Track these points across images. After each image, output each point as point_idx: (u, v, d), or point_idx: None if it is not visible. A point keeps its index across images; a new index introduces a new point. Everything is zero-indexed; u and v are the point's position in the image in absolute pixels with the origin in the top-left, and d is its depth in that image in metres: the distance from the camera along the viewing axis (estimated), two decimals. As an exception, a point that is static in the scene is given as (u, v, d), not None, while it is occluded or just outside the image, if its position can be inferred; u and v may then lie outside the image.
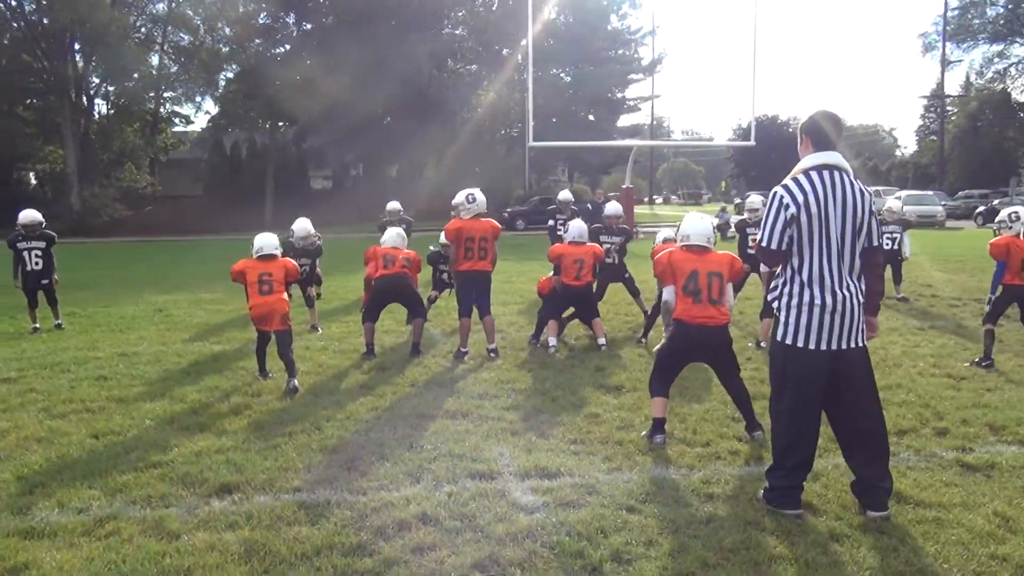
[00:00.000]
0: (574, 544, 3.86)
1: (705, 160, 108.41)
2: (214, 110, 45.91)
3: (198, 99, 45.51)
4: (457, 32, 48.69)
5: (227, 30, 43.07)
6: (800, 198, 4.12)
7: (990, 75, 58.30)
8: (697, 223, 5.67)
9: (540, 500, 4.42)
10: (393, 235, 8.75)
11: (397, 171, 51.30)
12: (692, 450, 5.25)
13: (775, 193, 4.22)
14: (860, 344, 4.23)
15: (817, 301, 4.12)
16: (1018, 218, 7.75)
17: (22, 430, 5.83)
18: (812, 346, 4.16)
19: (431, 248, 10.44)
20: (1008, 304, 7.72)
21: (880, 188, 49.22)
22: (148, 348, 8.85)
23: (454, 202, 8.44)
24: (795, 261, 4.19)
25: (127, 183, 41.98)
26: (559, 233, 13.17)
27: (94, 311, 11.53)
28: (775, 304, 4.36)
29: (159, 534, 4.08)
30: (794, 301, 4.20)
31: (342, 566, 3.69)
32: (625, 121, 58.85)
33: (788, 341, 4.23)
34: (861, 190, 4.18)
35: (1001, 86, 56.85)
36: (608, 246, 9.67)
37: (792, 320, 4.21)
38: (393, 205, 13.41)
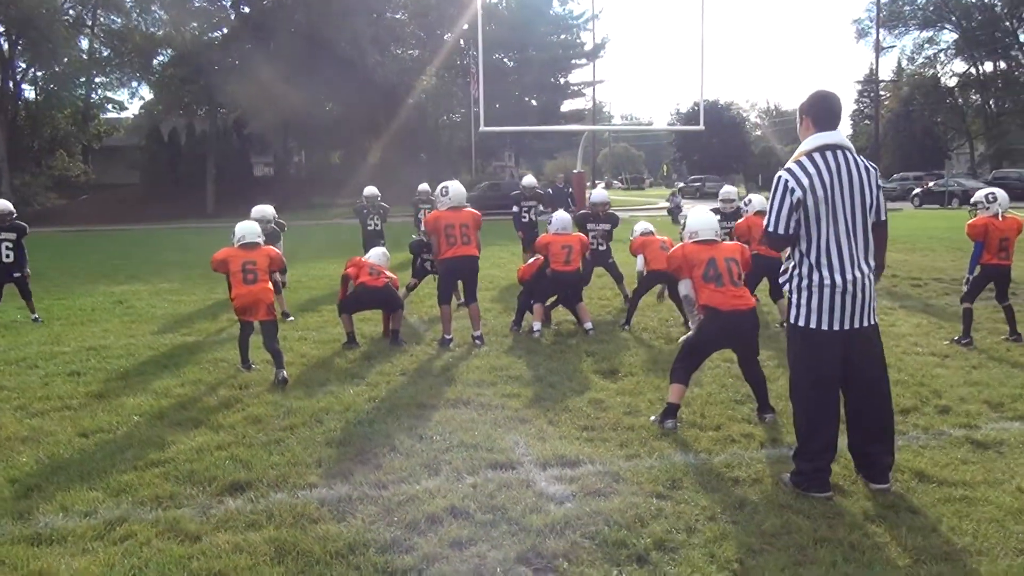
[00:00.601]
0: (614, 534, 3.79)
1: (645, 145, 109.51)
2: (149, 96, 44.63)
3: (134, 84, 44.06)
4: (398, 16, 48.04)
5: (161, 13, 41.73)
6: (805, 181, 4.08)
7: (921, 61, 60.07)
8: (704, 218, 5.70)
9: (567, 490, 4.34)
10: (379, 254, 8.69)
11: (341, 157, 50.56)
12: (705, 434, 5.23)
13: (779, 177, 4.18)
14: (873, 322, 4.24)
15: (827, 282, 4.11)
16: (995, 199, 7.89)
17: (2, 430, 5.51)
18: (826, 327, 4.16)
19: (413, 237, 10.25)
20: (986, 283, 7.90)
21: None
22: (116, 341, 8.50)
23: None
24: (803, 244, 4.17)
25: (59, 171, 40.50)
26: (524, 220, 13.15)
27: (50, 303, 11.03)
28: (786, 287, 4.34)
29: (177, 536, 3.88)
30: (804, 283, 4.18)
31: (381, 564, 3.56)
32: (568, 106, 59.04)
33: (802, 323, 4.22)
34: (867, 167, 4.18)
35: (931, 71, 58.62)
36: (594, 233, 9.65)
37: (804, 302, 4.20)
38: (370, 190, 13.26)
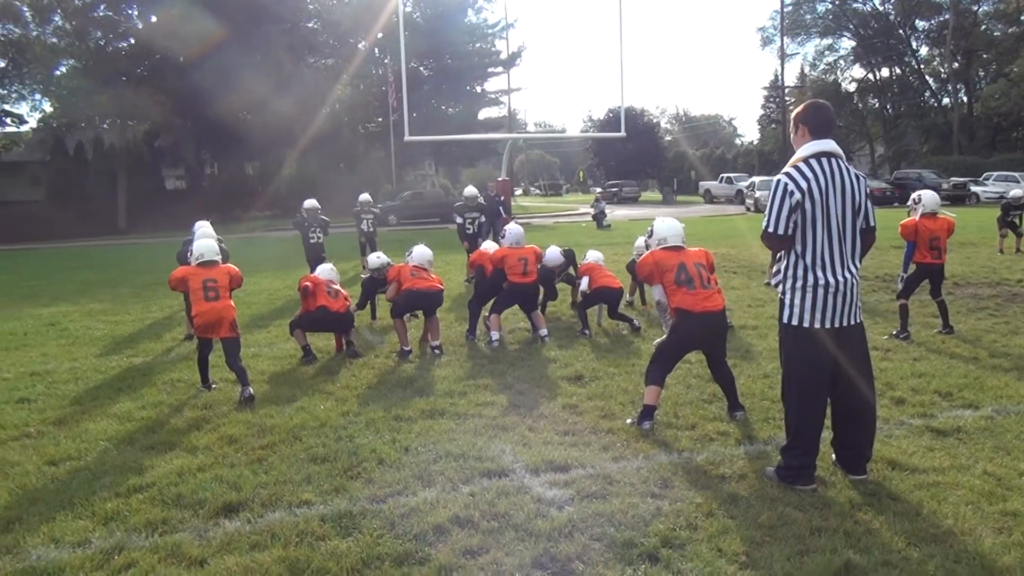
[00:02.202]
0: (621, 534, 3.90)
1: (559, 152, 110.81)
2: (50, 108, 42.78)
3: (37, 97, 42.18)
4: (311, 25, 47.41)
5: (64, 23, 40.12)
6: (804, 185, 4.30)
7: (822, 67, 62.61)
8: (672, 226, 5.92)
9: (565, 494, 4.43)
10: (327, 270, 8.66)
11: (256, 168, 49.54)
12: (683, 434, 5.39)
13: (779, 181, 4.39)
14: (859, 320, 4.48)
15: (821, 282, 4.33)
16: (919, 201, 8.37)
17: (-38, 463, 5.28)
18: (818, 325, 4.37)
19: (363, 276, 10.07)
20: (921, 280, 8.34)
21: (731, 175, 51.91)
22: (59, 365, 8.19)
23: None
24: (799, 246, 4.38)
25: (-46, 189, 38.49)
26: (468, 232, 13.23)
27: (-27, 329, 10.55)
28: (779, 288, 4.54)
29: (182, 561, 3.81)
30: (799, 284, 4.39)
31: (400, 576, 3.58)
32: (485, 114, 59.28)
33: (795, 322, 4.42)
34: (857, 175, 4.43)
35: (832, 77, 61.11)
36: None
37: (798, 302, 4.40)
38: (311, 203, 13.35)
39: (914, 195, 8.49)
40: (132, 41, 41.33)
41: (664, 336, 5.90)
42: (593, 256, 9.69)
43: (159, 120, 39.51)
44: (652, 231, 6.06)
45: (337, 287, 8.32)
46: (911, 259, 8.33)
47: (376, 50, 50.28)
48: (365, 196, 14.91)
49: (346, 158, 48.86)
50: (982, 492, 4.28)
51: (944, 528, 3.88)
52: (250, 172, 50.40)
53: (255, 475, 4.88)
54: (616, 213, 37.94)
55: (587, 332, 8.80)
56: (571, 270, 10.39)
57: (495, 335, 8.44)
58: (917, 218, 8.22)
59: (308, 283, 8.19)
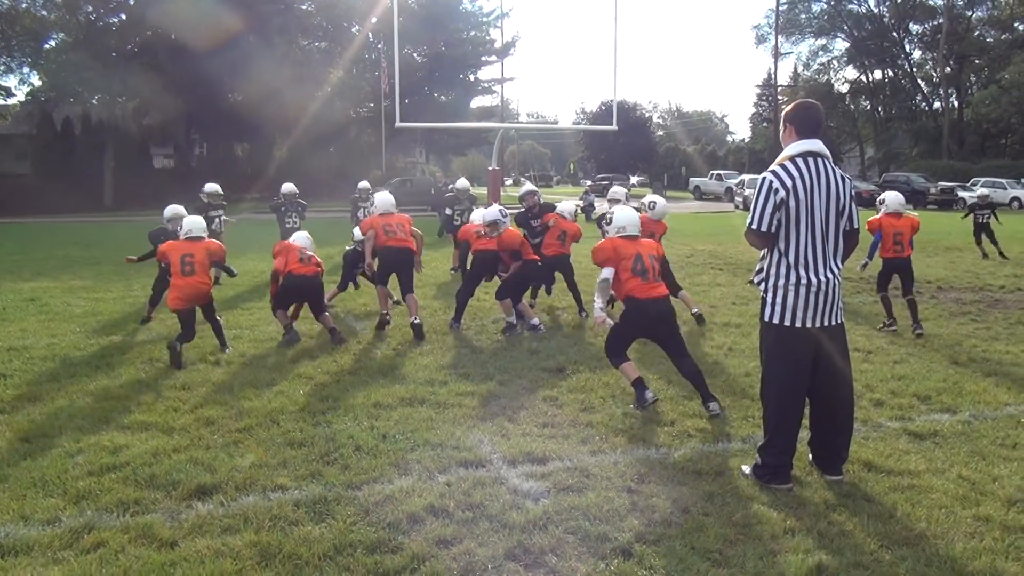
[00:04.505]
0: (596, 528, 3.90)
1: (551, 143, 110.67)
2: (39, 82, 42.30)
3: (26, 70, 41.68)
4: (304, 7, 47.08)
5: (53, -6, 39.65)
6: (789, 183, 4.30)
7: (816, 67, 62.78)
8: (631, 216, 6.19)
9: (541, 486, 4.42)
10: (303, 236, 8.63)
11: (245, 150, 49.27)
12: (662, 429, 5.40)
13: (764, 178, 4.38)
14: (840, 320, 4.49)
15: (803, 281, 4.33)
16: (883, 202, 9.00)
17: (-66, 437, 5.22)
18: (799, 324, 4.37)
19: (347, 247, 10.08)
20: (890, 275, 8.85)
21: (721, 172, 51.99)
22: (38, 341, 8.11)
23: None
24: (782, 244, 4.38)
25: (-61, 160, 38.06)
26: (456, 223, 13.19)
27: (-49, 302, 10.43)
28: (761, 286, 4.54)
29: (152, 542, 3.78)
30: (781, 282, 4.39)
31: (371, 564, 3.56)
32: (478, 103, 59.15)
33: (776, 320, 4.42)
34: (842, 176, 4.43)
35: (825, 77, 61.30)
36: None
37: (780, 300, 4.40)
38: (288, 187, 13.29)
39: (880, 196, 8.99)
40: (123, 17, 40.90)
41: (615, 322, 6.00)
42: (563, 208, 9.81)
43: (149, 98, 39.16)
44: (612, 219, 6.29)
45: (310, 253, 8.30)
46: (875, 250, 8.84)
47: (370, 35, 50.01)
48: (364, 184, 14.83)
49: (337, 142, 48.61)
50: (956, 496, 4.30)
51: (917, 531, 3.89)
52: (239, 153, 50.13)
53: (231, 458, 4.85)
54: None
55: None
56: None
57: (535, 321, 8.64)
58: (884, 215, 8.71)
59: (278, 259, 8.21)
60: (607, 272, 5.90)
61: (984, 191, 16.81)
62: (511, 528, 3.91)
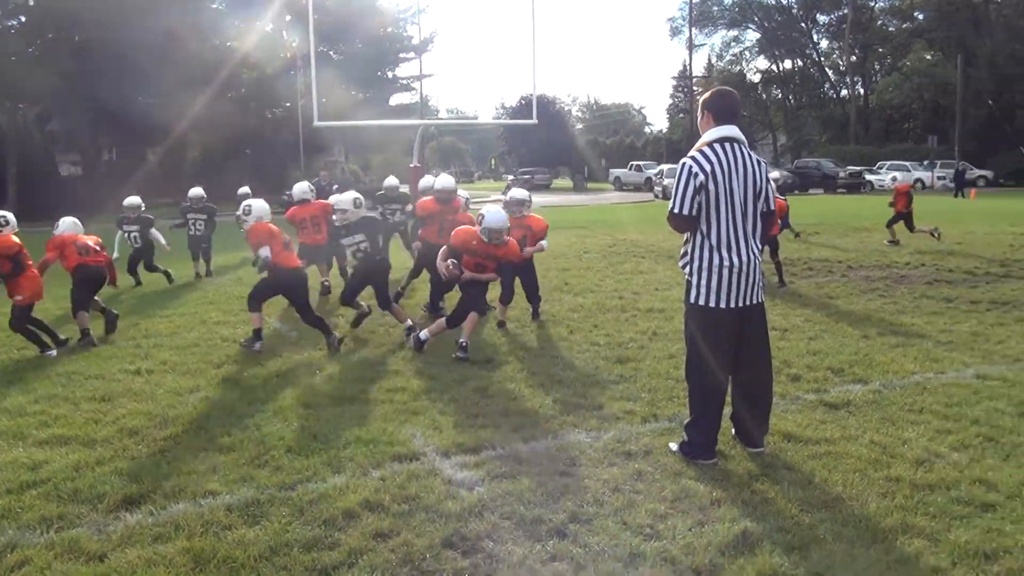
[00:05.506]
0: (530, 512, 3.97)
1: (471, 139, 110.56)
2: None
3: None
4: (215, 7, 46.01)
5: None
6: (707, 167, 4.44)
7: (729, 58, 64.32)
8: (499, 216, 7.18)
9: (475, 475, 4.47)
10: (69, 223, 8.50)
11: (158, 154, 47.84)
12: (591, 414, 5.50)
13: (684, 163, 4.51)
14: (760, 300, 4.66)
15: (726, 263, 4.48)
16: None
17: None
18: (723, 304, 4.52)
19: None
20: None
21: (641, 163, 52.79)
22: (-56, 359, 7.77)
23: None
24: (704, 227, 4.51)
25: None
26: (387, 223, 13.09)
27: None
28: (686, 269, 4.67)
29: (79, 557, 3.68)
30: (705, 264, 4.53)
31: (308, 562, 3.55)
32: (397, 100, 58.72)
33: (701, 302, 4.56)
34: (758, 160, 4.59)
35: (738, 68, 62.84)
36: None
37: (704, 283, 4.54)
38: (195, 191, 12.95)
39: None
40: (23, 20, 39.30)
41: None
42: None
43: (52, 103, 37.72)
44: (482, 217, 7.03)
45: (87, 240, 8.26)
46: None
47: (284, 33, 49.18)
48: (245, 189, 14.52)
49: (252, 143, 47.65)
50: (868, 460, 4.52)
51: (834, 494, 4.08)
52: (151, 158, 48.67)
53: (157, 467, 4.75)
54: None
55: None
56: None
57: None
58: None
59: (51, 253, 8.18)
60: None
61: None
62: (447, 517, 3.95)
